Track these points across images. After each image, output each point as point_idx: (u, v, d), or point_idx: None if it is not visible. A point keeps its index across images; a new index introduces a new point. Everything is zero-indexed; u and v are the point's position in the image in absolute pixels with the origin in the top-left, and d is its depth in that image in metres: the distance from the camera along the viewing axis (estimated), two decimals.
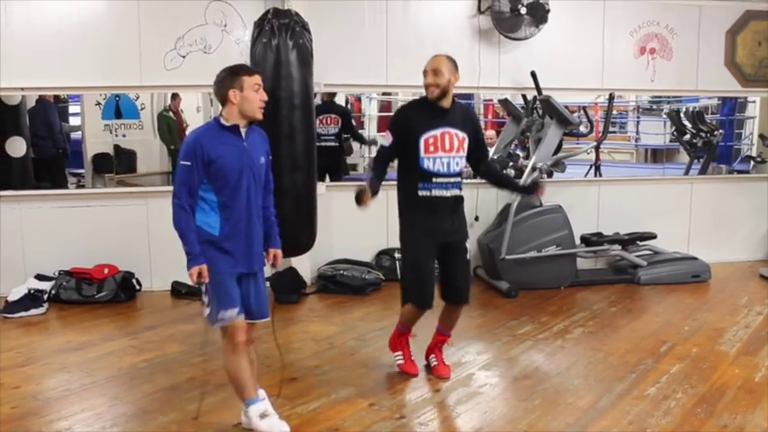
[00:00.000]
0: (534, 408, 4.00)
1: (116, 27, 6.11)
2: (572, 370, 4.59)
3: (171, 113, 9.80)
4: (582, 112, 7.64)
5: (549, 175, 6.68)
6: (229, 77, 3.39)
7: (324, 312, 5.94)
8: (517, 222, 6.41)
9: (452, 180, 4.17)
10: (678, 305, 6.10)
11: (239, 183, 3.39)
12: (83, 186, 9.34)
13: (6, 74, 5.92)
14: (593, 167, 8.99)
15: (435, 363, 4.50)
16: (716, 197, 7.70)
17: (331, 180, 7.43)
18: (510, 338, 5.20)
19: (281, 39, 5.03)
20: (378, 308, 5.98)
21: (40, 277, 6.02)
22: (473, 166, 4.39)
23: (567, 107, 6.72)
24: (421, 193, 4.13)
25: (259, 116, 3.44)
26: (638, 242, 7.03)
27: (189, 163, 3.32)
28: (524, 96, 7.47)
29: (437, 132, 4.10)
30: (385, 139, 4.23)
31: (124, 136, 9.72)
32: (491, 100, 10.38)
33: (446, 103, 4.13)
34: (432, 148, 4.09)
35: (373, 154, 5.29)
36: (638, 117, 13.63)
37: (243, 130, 3.43)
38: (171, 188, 3.40)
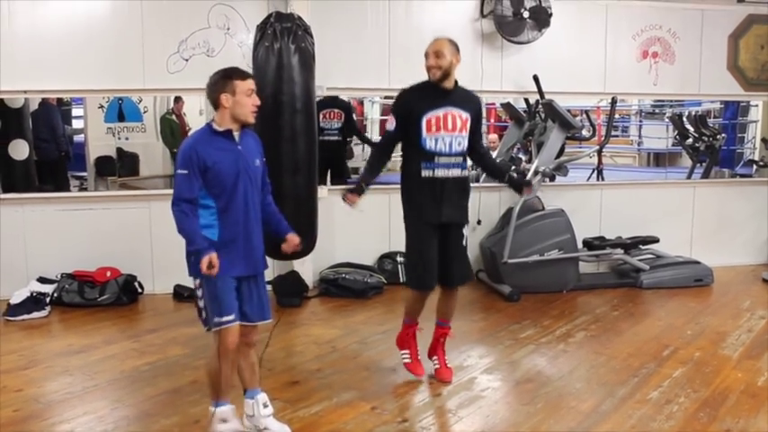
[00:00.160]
0: (536, 411, 4.00)
1: (119, 30, 6.12)
2: (574, 374, 4.59)
3: (174, 117, 9.80)
4: (584, 115, 7.62)
5: (552, 178, 6.68)
6: (221, 81, 3.35)
7: (326, 316, 5.94)
8: (519, 226, 6.41)
9: (455, 160, 4.15)
10: (681, 309, 6.09)
11: (236, 187, 3.37)
12: (85, 189, 9.33)
13: (10, 77, 5.94)
14: (596, 171, 8.98)
15: (438, 365, 4.49)
16: (718, 201, 7.69)
17: (333, 176, 7.43)
18: (512, 342, 5.19)
19: (284, 42, 5.03)
20: (380, 311, 5.98)
21: (42, 280, 6.02)
22: (469, 148, 4.29)
23: (569, 111, 6.72)
24: (424, 173, 4.12)
25: (251, 120, 3.41)
26: (641, 246, 7.03)
27: (186, 171, 3.29)
28: (527, 100, 7.46)
29: (439, 112, 4.09)
30: (388, 123, 4.23)
31: (127, 139, 9.72)
32: (493, 104, 10.36)
33: (448, 84, 4.13)
34: (434, 128, 4.08)
35: None
36: (640, 121, 13.60)
37: (236, 134, 3.40)
38: (173, 191, 3.38)
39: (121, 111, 9.63)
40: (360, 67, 6.63)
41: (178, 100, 9.81)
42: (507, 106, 7.99)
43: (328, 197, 6.44)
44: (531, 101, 7.32)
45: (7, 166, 7.25)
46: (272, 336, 4.75)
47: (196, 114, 10.16)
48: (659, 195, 7.63)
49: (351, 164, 9.55)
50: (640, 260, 6.87)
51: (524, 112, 7.57)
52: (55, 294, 5.95)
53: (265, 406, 3.60)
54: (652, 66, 7.31)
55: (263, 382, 3.95)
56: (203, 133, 3.42)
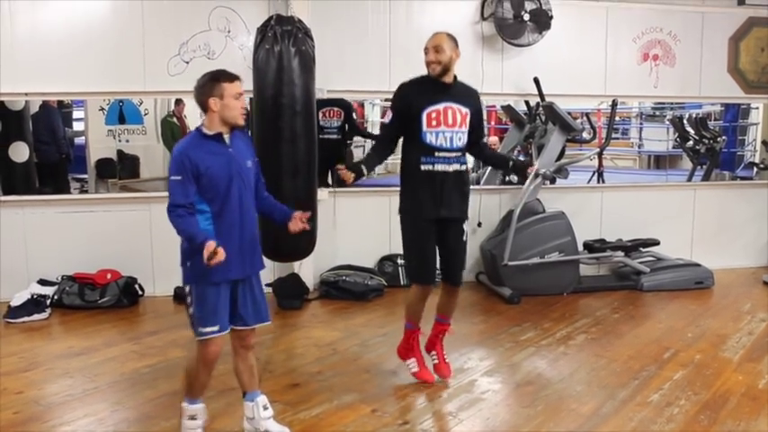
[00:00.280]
0: (537, 414, 4.00)
1: (120, 32, 6.14)
2: (575, 376, 4.59)
3: (175, 119, 9.79)
4: (585, 118, 7.62)
5: (552, 181, 6.68)
6: (209, 84, 3.33)
7: (326, 318, 5.94)
8: (520, 228, 6.40)
9: (455, 155, 4.15)
10: (681, 312, 6.09)
11: (229, 190, 3.35)
12: (86, 191, 9.32)
13: (11, 79, 5.95)
14: (596, 174, 8.97)
15: (436, 361, 4.48)
16: (719, 204, 7.69)
17: (333, 176, 7.43)
18: (512, 345, 5.19)
19: (284, 45, 5.03)
20: (380, 314, 5.97)
21: (42, 282, 6.03)
22: (469, 142, 4.28)
23: (569, 113, 6.72)
24: (423, 167, 4.12)
25: (241, 123, 3.40)
26: (641, 249, 7.02)
27: (180, 177, 3.27)
28: (527, 103, 7.47)
29: (440, 107, 4.10)
30: (386, 116, 4.23)
31: (127, 141, 9.69)
32: (494, 106, 10.35)
33: (448, 79, 4.13)
34: (434, 123, 4.08)
35: None
36: (641, 123, 13.59)
37: (227, 137, 3.38)
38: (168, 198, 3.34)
39: (122, 113, 9.62)
40: (360, 69, 6.63)
41: (179, 102, 9.80)
42: (508, 109, 7.99)
43: (328, 199, 6.45)
44: (532, 103, 7.33)
45: (7, 168, 7.25)
46: (272, 337, 4.77)
47: (197, 117, 10.14)
48: (660, 198, 7.63)
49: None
50: (641, 263, 6.87)
51: (525, 114, 7.58)
52: (55, 296, 5.96)
53: (265, 408, 3.59)
54: (652, 68, 7.31)
55: (263, 385, 3.95)
56: (194, 138, 3.40)
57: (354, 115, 9.04)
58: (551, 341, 5.28)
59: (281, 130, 5.09)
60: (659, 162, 13.47)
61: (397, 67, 6.58)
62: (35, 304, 5.75)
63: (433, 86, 4.13)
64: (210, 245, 3.14)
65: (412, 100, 4.13)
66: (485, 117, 11.70)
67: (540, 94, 6.71)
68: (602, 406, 4.09)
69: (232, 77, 3.39)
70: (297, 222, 3.61)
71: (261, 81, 5.16)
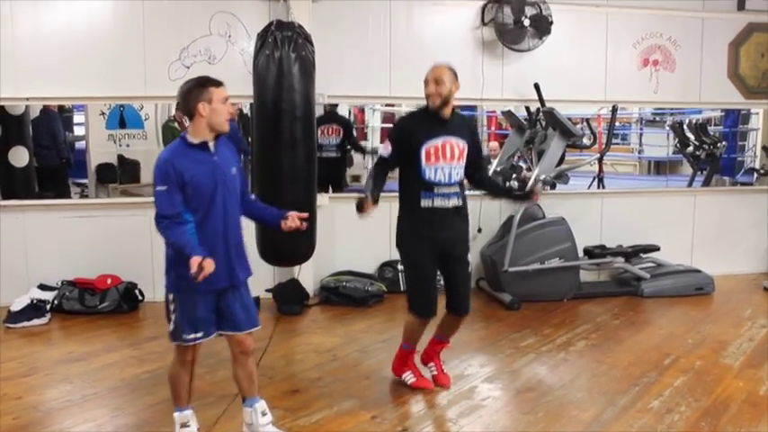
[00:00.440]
0: (537, 420, 3.99)
1: (121, 37, 6.14)
2: (575, 383, 4.58)
3: (176, 124, 9.80)
4: (585, 123, 7.63)
5: (552, 186, 6.68)
6: (197, 89, 3.31)
7: (326, 324, 5.93)
8: (520, 234, 6.40)
9: (453, 189, 4.16)
10: (682, 318, 6.09)
11: (214, 199, 3.33)
12: (86, 196, 9.33)
13: (12, 84, 5.97)
14: (597, 179, 8.97)
15: (435, 372, 4.50)
16: (719, 209, 7.69)
17: (333, 191, 7.44)
18: (513, 351, 5.18)
19: (284, 51, 5.04)
20: (380, 320, 5.97)
21: (42, 287, 6.03)
22: (469, 174, 4.32)
23: (570, 119, 6.72)
24: (423, 203, 4.12)
25: (227, 129, 3.37)
26: (642, 254, 7.03)
27: (165, 187, 3.24)
28: (528, 108, 7.46)
29: (438, 142, 4.10)
30: (384, 149, 4.23)
31: (128, 146, 9.71)
32: (494, 111, 10.37)
33: (446, 112, 4.13)
34: (433, 158, 4.09)
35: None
36: (641, 129, 13.59)
37: (211, 145, 3.36)
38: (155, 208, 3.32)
39: (123, 118, 9.63)
40: (361, 74, 6.64)
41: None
42: (508, 114, 7.98)
43: (328, 205, 6.44)
44: (532, 109, 7.31)
45: (7, 173, 7.26)
46: (272, 343, 4.76)
47: None
48: (660, 203, 7.63)
49: (351, 171, 9.56)
50: (641, 269, 6.87)
51: (525, 119, 7.57)
52: (55, 302, 5.95)
53: (264, 414, 3.59)
54: (653, 74, 7.32)
55: (263, 390, 3.95)
56: (178, 146, 3.37)
57: (354, 131, 9.06)
58: (552, 347, 5.27)
59: (281, 135, 5.09)
60: (659, 167, 13.47)
61: (398, 71, 6.61)
62: (35, 309, 5.75)
63: (432, 120, 4.13)
64: (196, 260, 3.12)
65: (411, 134, 4.13)
66: (484, 123, 11.76)
67: (541, 100, 6.71)
68: (602, 412, 4.09)
69: (218, 82, 3.38)
70: (293, 219, 3.59)
71: (261, 86, 5.16)
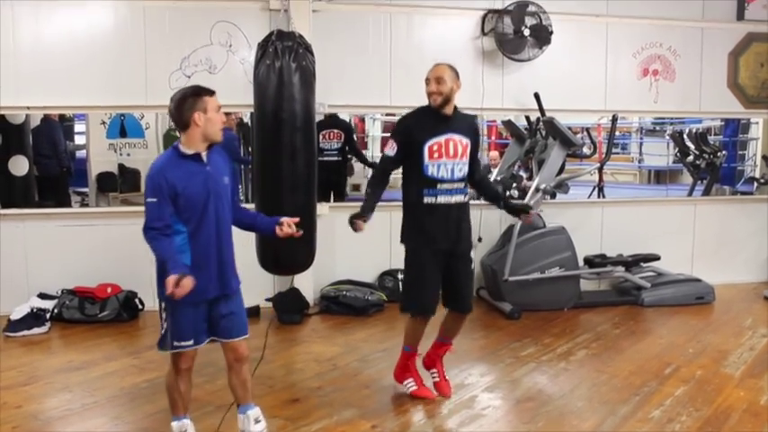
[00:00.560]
0: (537, 430, 3.98)
1: (122, 47, 6.16)
2: (575, 392, 4.57)
3: (177, 133, 9.82)
4: (585, 133, 7.64)
5: (553, 196, 6.68)
6: (192, 99, 3.29)
7: (326, 333, 5.92)
8: (520, 244, 6.40)
9: (457, 186, 4.17)
10: (682, 327, 6.08)
11: (206, 209, 3.32)
12: (86, 205, 9.34)
13: (13, 93, 5.99)
14: (597, 189, 8.99)
15: (437, 379, 4.48)
16: (719, 218, 7.69)
17: (334, 195, 7.44)
18: (513, 360, 5.18)
19: (285, 61, 5.06)
20: (380, 329, 5.96)
21: (42, 296, 6.02)
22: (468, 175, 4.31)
23: (570, 128, 6.73)
24: (426, 199, 4.13)
25: (220, 139, 3.36)
26: (642, 264, 7.02)
27: (155, 199, 3.24)
28: (528, 118, 7.47)
29: (441, 139, 4.11)
30: (387, 148, 4.24)
31: (128, 155, 9.72)
32: (494, 121, 10.40)
33: (448, 110, 4.15)
34: (436, 155, 4.10)
35: None
36: (641, 138, 13.62)
37: (204, 155, 3.35)
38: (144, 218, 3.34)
39: (123, 127, 9.65)
40: (361, 84, 6.65)
41: None
42: (508, 123, 8.00)
43: (329, 214, 6.45)
44: (532, 118, 7.33)
45: (7, 181, 7.27)
46: (272, 352, 4.76)
47: None
48: (660, 213, 7.63)
49: (352, 180, 9.57)
50: (641, 278, 6.86)
51: (525, 129, 7.58)
52: (55, 310, 5.95)
53: (257, 421, 3.59)
54: (652, 83, 7.33)
55: (263, 399, 3.95)
56: (170, 157, 3.35)
57: (355, 136, 9.07)
58: (552, 357, 5.26)
59: (282, 144, 5.10)
60: (659, 177, 13.49)
61: (398, 81, 6.61)
62: (35, 318, 5.74)
63: (434, 118, 4.15)
64: (172, 279, 3.10)
65: (414, 132, 4.15)
66: (485, 133, 11.78)
67: (541, 109, 6.72)
68: (603, 422, 4.08)
69: (211, 91, 3.36)
70: (288, 225, 3.59)
71: (261, 96, 5.17)
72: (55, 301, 6.00)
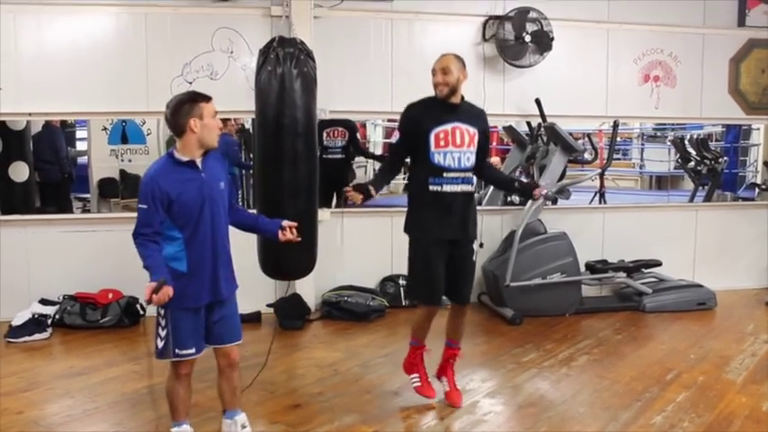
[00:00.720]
0: None
1: (124, 53, 6.17)
2: (577, 398, 4.56)
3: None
4: (586, 139, 7.66)
5: (554, 201, 6.69)
6: (188, 106, 3.27)
7: (328, 339, 5.92)
8: (522, 249, 6.40)
9: (463, 175, 4.15)
10: (684, 333, 6.07)
11: (202, 215, 3.32)
12: (88, 211, 9.36)
13: (14, 99, 5.99)
14: (598, 194, 8.99)
15: (447, 387, 4.46)
16: (721, 224, 7.69)
17: (337, 196, 7.44)
18: (514, 366, 5.17)
19: (286, 67, 5.06)
20: (382, 334, 5.96)
21: (44, 302, 6.02)
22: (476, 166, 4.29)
23: (571, 134, 6.74)
24: (431, 188, 4.12)
25: (216, 145, 3.35)
26: (644, 269, 7.01)
27: (146, 206, 3.24)
28: (529, 123, 7.49)
29: (448, 127, 4.10)
30: (394, 137, 4.24)
31: (130, 161, 9.74)
32: (496, 127, 10.40)
33: (455, 99, 4.14)
34: (442, 143, 4.09)
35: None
36: (642, 144, 13.64)
37: (199, 161, 3.34)
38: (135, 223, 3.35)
39: (125, 133, 9.67)
40: (362, 90, 6.65)
41: None
42: (509, 129, 8.02)
43: (330, 220, 6.45)
44: (534, 124, 7.35)
45: (7, 188, 7.28)
46: (273, 358, 4.75)
47: None
48: (661, 218, 7.63)
49: (352, 184, 9.59)
50: (643, 284, 6.85)
51: (526, 135, 7.60)
52: (57, 316, 5.95)
53: (243, 427, 3.60)
54: (653, 89, 7.33)
55: (265, 405, 3.95)
56: (165, 164, 3.34)
57: (358, 135, 9.09)
58: (553, 362, 5.26)
59: (283, 151, 5.10)
60: (661, 183, 13.51)
61: (400, 87, 6.62)
62: (36, 324, 5.74)
63: (440, 107, 4.14)
64: (149, 287, 3.14)
65: (420, 120, 4.14)
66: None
67: (542, 115, 6.73)
68: (604, 428, 4.07)
69: (207, 97, 3.35)
70: (290, 231, 3.62)
71: (263, 102, 5.17)
72: (56, 307, 6.00)
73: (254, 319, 6.20)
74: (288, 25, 5.92)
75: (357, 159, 9.23)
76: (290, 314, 6.21)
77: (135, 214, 3.34)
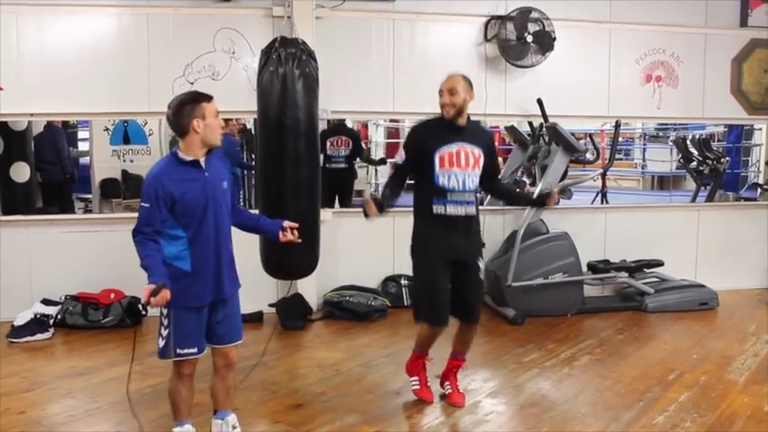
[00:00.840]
0: None
1: (125, 53, 6.17)
2: (579, 398, 4.56)
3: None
4: (588, 139, 7.65)
5: (556, 202, 6.68)
6: (191, 106, 3.27)
7: (330, 338, 5.92)
8: (524, 249, 6.40)
9: (467, 197, 4.15)
10: (686, 333, 6.07)
11: (205, 214, 3.32)
12: (90, 211, 9.36)
13: (16, 100, 6.00)
14: (600, 194, 8.99)
15: (450, 390, 4.47)
16: (723, 224, 7.68)
17: (341, 202, 7.43)
18: (516, 366, 5.17)
19: (288, 68, 5.07)
20: (384, 334, 5.96)
21: (46, 302, 6.03)
22: (484, 183, 4.32)
23: (573, 134, 6.73)
24: (435, 209, 4.12)
25: (219, 144, 3.36)
26: (646, 269, 7.00)
27: (148, 205, 3.25)
28: (531, 123, 7.48)
29: (452, 148, 4.10)
30: (399, 156, 4.25)
31: (132, 161, 9.75)
32: (497, 127, 10.40)
33: (461, 120, 4.14)
34: (447, 164, 4.09)
35: (381, 177, 5.27)
36: (644, 144, 13.63)
37: (202, 161, 3.34)
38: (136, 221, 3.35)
39: (127, 133, 9.68)
40: (364, 90, 6.65)
41: None
42: (511, 129, 8.01)
43: (333, 220, 6.45)
44: (535, 124, 7.34)
45: (8, 188, 7.29)
46: (275, 358, 4.75)
47: None
48: (663, 218, 7.62)
49: (355, 186, 9.59)
50: (645, 283, 6.85)
51: (528, 135, 7.59)
52: (59, 316, 5.95)
53: (234, 428, 3.61)
54: (656, 89, 7.33)
55: (266, 404, 3.94)
56: (168, 164, 3.35)
57: (362, 145, 9.10)
58: (555, 362, 5.25)
59: (285, 151, 5.11)
60: (663, 183, 13.50)
61: (401, 87, 6.62)
62: (38, 324, 5.75)
63: (446, 128, 4.13)
64: (147, 289, 3.16)
65: (425, 141, 4.14)
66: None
67: (544, 115, 6.72)
68: (606, 428, 4.07)
69: (209, 97, 3.36)
70: (291, 232, 3.63)
71: (265, 102, 5.18)
72: (58, 307, 6.01)
73: (255, 318, 6.20)
74: (290, 26, 5.93)
75: (357, 161, 9.24)
76: (292, 314, 6.22)
77: (136, 214, 3.34)
